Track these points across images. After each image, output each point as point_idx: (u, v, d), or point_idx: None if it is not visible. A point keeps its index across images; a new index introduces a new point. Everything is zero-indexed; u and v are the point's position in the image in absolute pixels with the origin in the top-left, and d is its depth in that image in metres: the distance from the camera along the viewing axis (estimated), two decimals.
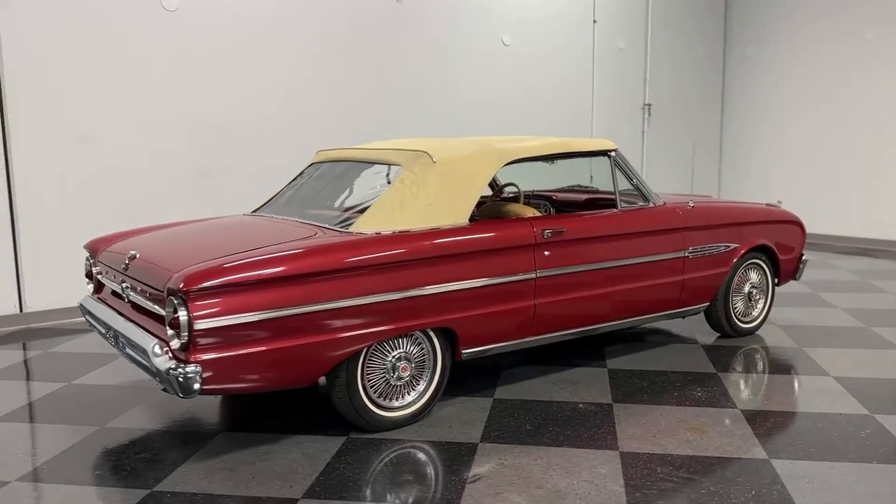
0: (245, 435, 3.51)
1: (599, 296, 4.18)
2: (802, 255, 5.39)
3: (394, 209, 3.60)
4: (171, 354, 2.96)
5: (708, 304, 4.83)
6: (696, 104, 9.97)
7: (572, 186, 5.50)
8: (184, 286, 2.89)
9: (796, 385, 4.15)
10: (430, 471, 3.12)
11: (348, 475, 3.08)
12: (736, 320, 5.02)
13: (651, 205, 4.50)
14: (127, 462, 3.24)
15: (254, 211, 4.41)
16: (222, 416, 3.77)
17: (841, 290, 6.54)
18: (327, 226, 3.64)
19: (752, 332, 5.13)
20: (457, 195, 3.74)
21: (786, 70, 9.52)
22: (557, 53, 8.48)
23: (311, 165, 4.56)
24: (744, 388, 4.09)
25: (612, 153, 4.40)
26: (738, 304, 5.04)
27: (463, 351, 3.71)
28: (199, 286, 2.91)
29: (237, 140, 6.47)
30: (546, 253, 3.92)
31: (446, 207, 3.69)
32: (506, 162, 3.96)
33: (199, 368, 2.90)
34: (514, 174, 4.98)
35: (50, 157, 5.66)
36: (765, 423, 3.58)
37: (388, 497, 2.89)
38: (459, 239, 3.62)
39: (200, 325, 2.89)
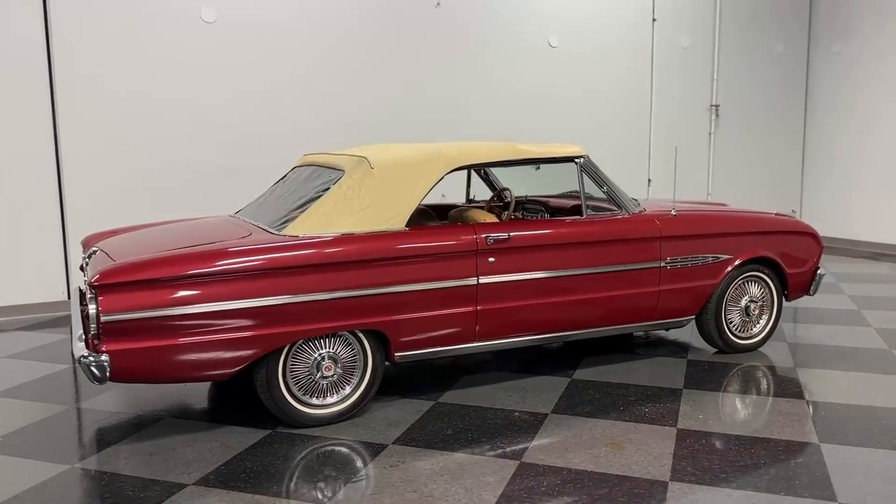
0: (187, 422, 3.75)
1: (553, 304, 4.12)
2: (818, 268, 5.02)
3: (327, 213, 3.72)
4: (87, 343, 3.23)
5: (693, 317, 4.62)
6: (775, 103, 9.39)
7: (569, 192, 5.38)
8: (95, 282, 3.15)
9: (758, 408, 3.90)
10: (325, 468, 3.22)
11: (248, 467, 3.23)
12: (731, 335, 4.76)
13: (623, 213, 4.37)
14: (71, 439, 3.56)
15: (237, 212, 4.66)
16: (177, 404, 4.02)
17: (890, 308, 6.01)
18: (265, 227, 3.82)
19: (751, 348, 4.85)
20: (393, 200, 3.81)
21: (872, 67, 8.79)
22: (610, 54, 8.27)
23: (293, 168, 4.76)
24: (698, 408, 3.89)
25: (580, 159, 4.31)
26: (735, 318, 4.77)
27: (396, 354, 3.78)
28: (108, 282, 3.16)
29: (269, 141, 6.79)
30: (490, 259, 3.91)
31: (382, 212, 3.77)
32: (451, 169, 3.98)
33: (106, 358, 3.15)
34: (521, 179, 4.99)
35: (96, 155, 6.19)
36: (693, 444, 3.42)
37: (267, 487, 3.02)
38: (386, 243, 3.69)
39: (107, 318, 3.14)
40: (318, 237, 3.61)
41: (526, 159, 4.26)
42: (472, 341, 3.97)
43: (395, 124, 7.22)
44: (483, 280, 3.90)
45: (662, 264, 4.39)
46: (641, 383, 4.26)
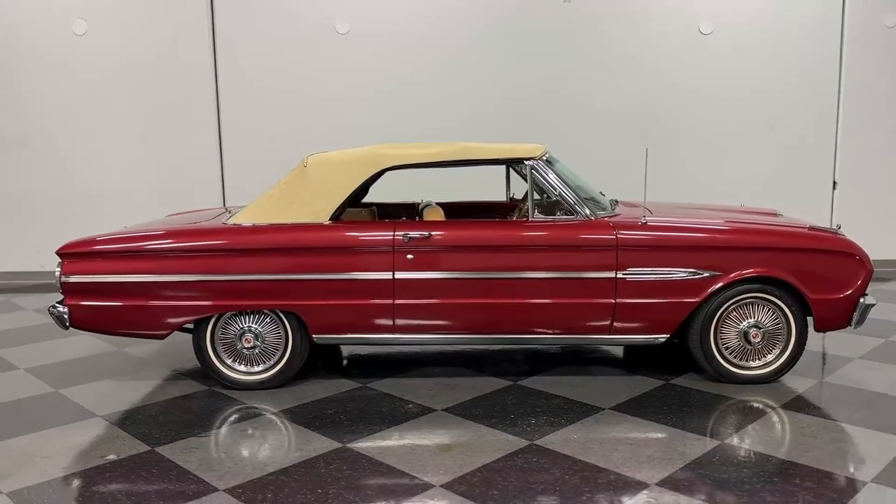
0: (174, 382, 4.58)
1: (479, 306, 4.12)
2: (864, 296, 4.16)
3: (264, 206, 4.25)
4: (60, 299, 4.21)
5: (666, 336, 4.20)
6: None
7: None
8: (60, 250, 4.10)
9: (624, 449, 3.51)
10: (201, 417, 3.78)
11: (153, 413, 3.93)
12: (723, 363, 4.21)
13: (575, 218, 4.16)
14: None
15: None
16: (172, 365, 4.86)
17: None
18: (228, 216, 4.46)
19: (756, 381, 4.21)
20: (320, 196, 4.19)
21: None
22: (784, 37, 7.31)
23: None
24: (584, 432, 3.62)
25: (530, 161, 4.21)
26: (733, 344, 4.20)
27: (314, 336, 4.18)
28: (69, 251, 4.09)
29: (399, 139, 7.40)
30: (409, 256, 4.08)
31: (307, 206, 4.18)
32: (381, 168, 4.22)
33: (66, 310, 4.09)
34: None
35: (252, 156, 7.40)
36: (533, 455, 3.28)
37: (126, 424, 3.68)
38: (301, 234, 4.09)
39: (65, 279, 4.06)
40: (241, 226, 4.16)
41: (471, 160, 4.29)
42: (393, 333, 4.18)
43: (520, 123, 7.35)
44: (399, 275, 4.08)
45: (619, 275, 4.08)
46: (568, 396, 4.05)
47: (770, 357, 4.22)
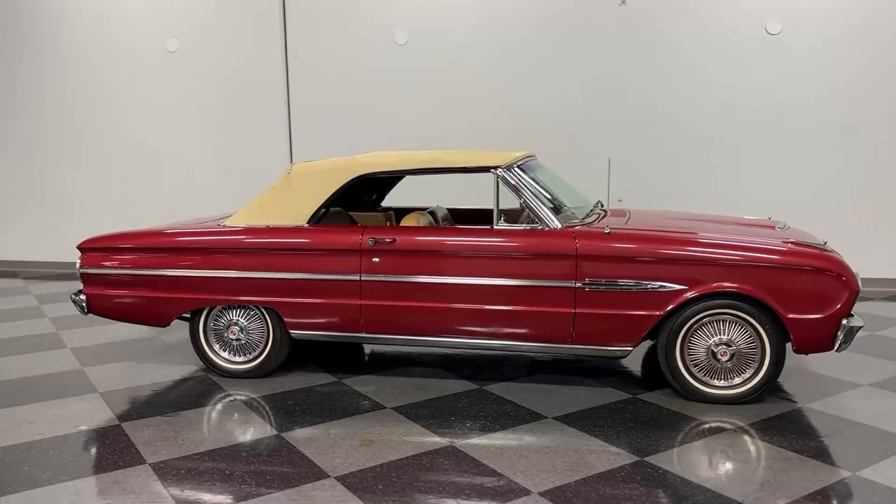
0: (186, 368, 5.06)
1: (440, 310, 4.23)
2: (849, 316, 3.87)
3: (253, 209, 4.61)
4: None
5: (629, 349, 4.10)
6: None
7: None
8: (80, 245, 4.67)
9: (526, 457, 3.48)
10: (179, 399, 4.19)
11: (145, 393, 4.40)
12: (691, 380, 4.06)
13: (538, 226, 4.17)
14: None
15: None
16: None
17: None
18: (223, 217, 4.85)
19: (727, 401, 4.02)
20: (299, 201, 4.48)
21: None
22: (861, 38, 6.74)
23: None
24: (509, 438, 3.64)
25: (495, 170, 4.27)
26: (702, 361, 4.04)
27: (291, 331, 4.48)
28: (86, 246, 4.65)
29: (452, 145, 7.58)
30: (375, 259, 4.28)
31: (287, 210, 4.49)
32: (355, 176, 4.44)
33: (84, 298, 4.65)
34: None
35: (316, 148, 7.88)
36: (442, 457, 3.39)
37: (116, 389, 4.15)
38: (276, 236, 4.41)
39: (83, 270, 4.63)
40: (229, 227, 4.54)
41: (439, 168, 4.42)
42: (361, 332, 4.39)
43: (579, 126, 7.30)
44: (366, 277, 4.29)
45: (578, 285, 4.06)
46: (523, 404, 4.07)
47: (742, 377, 4.01)
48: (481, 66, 7.45)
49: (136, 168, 8.31)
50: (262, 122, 7.98)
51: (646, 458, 3.37)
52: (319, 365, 4.83)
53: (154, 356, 5.11)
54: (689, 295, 3.94)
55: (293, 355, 4.70)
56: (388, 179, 5.65)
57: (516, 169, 4.35)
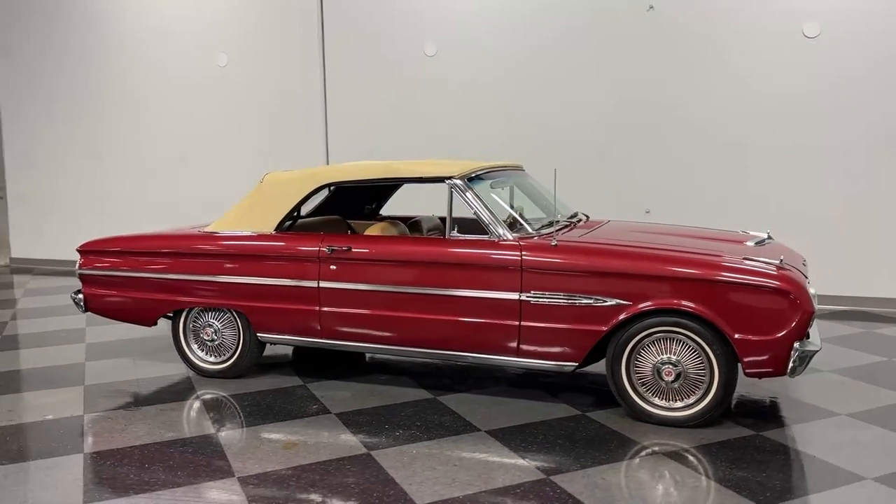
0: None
1: (391, 318, 4.28)
2: (804, 339, 3.62)
3: (229, 216, 4.82)
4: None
5: (574, 364, 3.99)
6: None
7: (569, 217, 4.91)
8: (78, 248, 5.03)
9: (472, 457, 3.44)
10: (149, 395, 4.44)
11: (121, 388, 4.69)
12: (637, 400, 3.90)
13: (487, 237, 4.14)
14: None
15: None
16: None
17: None
18: (208, 223, 5.08)
19: (674, 424, 3.83)
20: (268, 208, 4.65)
21: None
22: None
23: None
24: (429, 449, 3.63)
25: (449, 181, 4.27)
26: (650, 382, 3.88)
27: (258, 334, 4.65)
28: (85, 248, 5.00)
29: (477, 154, 7.59)
30: (332, 267, 4.38)
31: (257, 217, 4.67)
32: (318, 185, 4.57)
33: (82, 297, 5.01)
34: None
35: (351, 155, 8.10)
36: (351, 463, 3.44)
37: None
38: (241, 243, 4.60)
39: (81, 271, 4.99)
40: (205, 233, 4.76)
41: (398, 178, 4.48)
42: (320, 337, 4.50)
43: (608, 134, 7.15)
44: (323, 284, 4.40)
45: (524, 297, 4.00)
46: (464, 416, 4.04)
47: (691, 399, 3.82)
48: (509, 75, 7.42)
49: (183, 176, 8.81)
50: (301, 130, 8.28)
51: (551, 477, 3.28)
52: (294, 368, 4.97)
53: (153, 353, 5.41)
54: (633, 311, 3.80)
55: (283, 358, 4.87)
56: (385, 188, 5.74)
57: (473, 179, 4.33)
